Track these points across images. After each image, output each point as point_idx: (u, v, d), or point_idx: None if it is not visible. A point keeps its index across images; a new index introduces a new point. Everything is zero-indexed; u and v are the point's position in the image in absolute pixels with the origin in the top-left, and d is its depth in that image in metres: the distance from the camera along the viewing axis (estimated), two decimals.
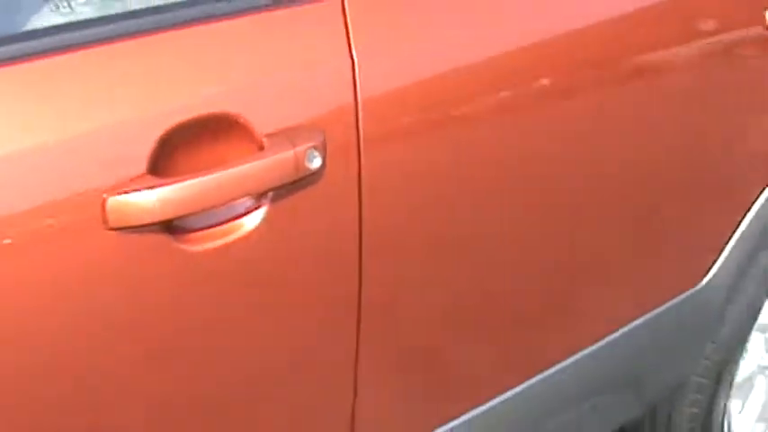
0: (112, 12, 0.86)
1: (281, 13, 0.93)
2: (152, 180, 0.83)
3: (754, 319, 1.72)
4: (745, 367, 1.81)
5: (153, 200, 0.82)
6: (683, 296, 1.49)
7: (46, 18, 0.85)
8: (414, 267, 1.04)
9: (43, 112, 0.80)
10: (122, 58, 0.84)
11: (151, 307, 0.87)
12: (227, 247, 0.89)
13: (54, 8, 0.85)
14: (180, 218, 0.86)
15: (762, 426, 1.95)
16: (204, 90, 0.87)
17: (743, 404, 1.88)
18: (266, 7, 0.93)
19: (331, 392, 1.03)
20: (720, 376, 1.72)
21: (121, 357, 0.87)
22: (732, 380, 1.76)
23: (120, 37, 0.84)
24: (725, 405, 1.78)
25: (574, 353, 1.34)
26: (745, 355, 1.78)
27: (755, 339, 1.80)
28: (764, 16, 1.37)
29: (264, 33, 0.92)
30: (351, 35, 0.95)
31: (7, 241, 0.76)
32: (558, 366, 1.32)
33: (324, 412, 1.04)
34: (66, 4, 0.85)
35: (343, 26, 0.95)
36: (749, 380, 1.86)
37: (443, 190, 1.04)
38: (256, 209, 0.91)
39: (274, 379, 0.98)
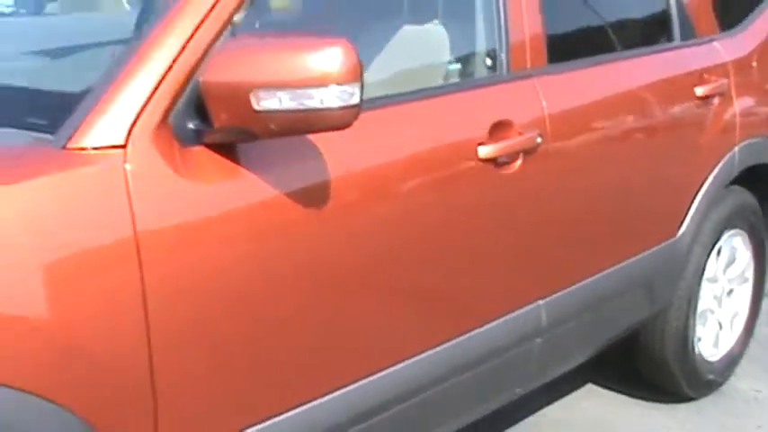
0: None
1: (514, 85, 2.34)
2: (490, 141, 2.19)
3: (702, 270, 3.11)
4: (701, 305, 3.20)
5: (489, 148, 2.18)
6: (669, 241, 2.89)
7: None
8: (564, 181, 2.41)
9: (452, 117, 2.17)
10: (477, 101, 2.23)
11: (484, 201, 2.21)
12: (510, 174, 2.24)
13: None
14: (497, 157, 2.21)
15: (715, 350, 3.32)
16: (498, 114, 2.25)
17: (701, 336, 3.25)
18: (504, 81, 2.33)
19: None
20: (689, 304, 3.09)
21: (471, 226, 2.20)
22: (696, 309, 3.14)
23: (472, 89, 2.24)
24: (694, 326, 3.15)
25: (618, 263, 2.70)
26: (700, 294, 3.17)
27: (705, 287, 3.20)
28: (694, 91, 2.87)
29: (514, 93, 2.32)
30: (542, 97, 2.36)
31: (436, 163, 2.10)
32: (609, 270, 2.67)
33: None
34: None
35: (538, 94, 2.36)
36: (703, 315, 3.24)
37: (576, 151, 2.44)
38: (517, 160, 2.27)
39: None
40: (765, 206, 3.40)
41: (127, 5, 3.39)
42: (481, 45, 2.38)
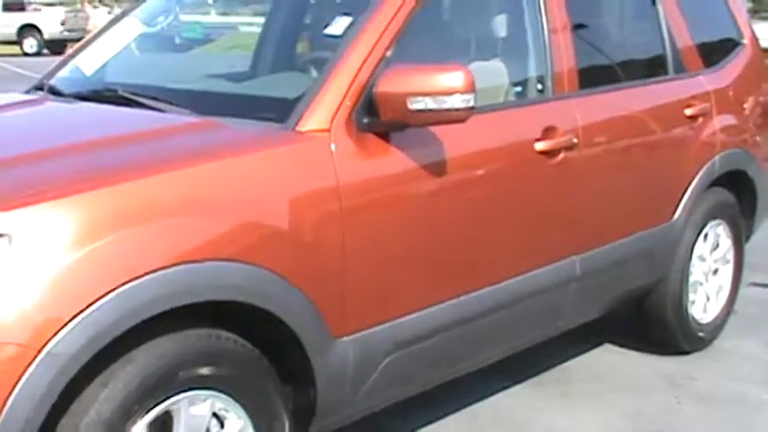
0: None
1: (557, 103, 3.37)
2: (543, 139, 3.20)
3: (692, 249, 4.12)
4: (692, 278, 4.20)
5: (542, 144, 3.19)
6: (666, 224, 3.91)
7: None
8: (592, 172, 3.43)
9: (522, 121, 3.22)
10: (534, 113, 3.28)
11: (539, 181, 3.23)
12: (556, 163, 3.25)
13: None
14: (547, 151, 3.22)
15: (704, 314, 4.32)
16: (547, 122, 3.27)
17: (693, 300, 4.25)
18: (550, 100, 3.37)
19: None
20: (683, 275, 4.10)
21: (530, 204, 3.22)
22: (688, 280, 4.14)
23: (530, 105, 3.29)
24: (687, 293, 4.15)
25: (629, 235, 3.72)
26: (692, 270, 4.17)
27: (696, 264, 4.21)
28: (684, 113, 3.91)
29: (557, 108, 3.35)
30: (576, 112, 3.39)
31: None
32: (622, 239, 3.68)
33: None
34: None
35: (573, 109, 3.39)
36: (694, 286, 4.24)
37: (600, 150, 3.46)
38: (560, 154, 3.28)
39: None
40: (743, 205, 4.42)
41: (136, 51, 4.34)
42: (533, 75, 3.42)
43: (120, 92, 3.02)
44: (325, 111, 2.65)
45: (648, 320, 4.17)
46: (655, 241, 3.85)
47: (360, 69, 2.73)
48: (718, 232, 4.29)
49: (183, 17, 4.30)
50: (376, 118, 2.71)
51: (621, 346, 4.38)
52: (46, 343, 2.08)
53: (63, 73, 3.62)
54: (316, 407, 2.68)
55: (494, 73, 3.39)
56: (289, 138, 2.60)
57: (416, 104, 2.64)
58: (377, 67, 2.76)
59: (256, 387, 2.51)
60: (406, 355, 2.88)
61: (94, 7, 44.17)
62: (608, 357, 4.28)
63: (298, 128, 2.63)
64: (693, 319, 4.20)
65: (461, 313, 3.02)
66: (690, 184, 3.97)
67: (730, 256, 4.39)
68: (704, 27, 4.23)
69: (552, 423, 3.61)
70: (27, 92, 3.52)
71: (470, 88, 2.65)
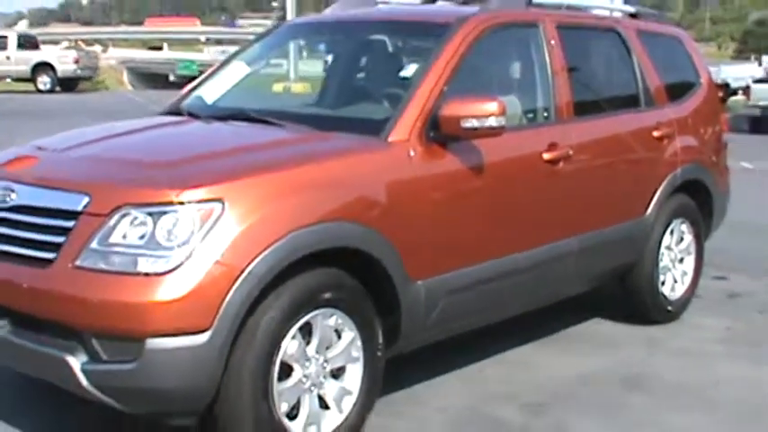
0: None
1: (558, 126, 4.80)
2: (548, 152, 4.61)
3: (660, 239, 5.53)
4: (662, 263, 5.61)
5: (548, 155, 4.61)
6: (640, 217, 5.32)
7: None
8: (583, 176, 4.87)
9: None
10: (541, 133, 4.72)
11: (546, 182, 4.63)
12: (557, 169, 4.66)
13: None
14: (551, 160, 4.64)
15: (673, 293, 5.71)
16: (551, 139, 4.71)
17: (663, 281, 5.65)
18: (553, 124, 4.80)
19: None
20: (654, 260, 5.50)
21: (536, 200, 4.62)
22: (658, 264, 5.55)
23: (539, 127, 4.73)
24: (657, 275, 5.55)
25: (614, 224, 5.13)
26: (662, 257, 5.58)
27: (664, 252, 5.61)
28: (653, 134, 5.35)
29: (558, 130, 4.79)
30: (572, 132, 4.83)
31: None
32: (609, 227, 5.10)
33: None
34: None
35: (570, 131, 4.84)
36: (664, 269, 5.65)
37: (589, 161, 4.89)
38: (560, 162, 4.70)
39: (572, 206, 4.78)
40: (704, 209, 5.84)
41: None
42: (540, 106, 4.85)
43: (251, 114, 4.42)
44: (405, 127, 4.06)
45: (628, 295, 5.56)
46: (632, 230, 5.26)
47: (427, 99, 4.15)
48: (682, 229, 5.70)
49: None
50: (438, 132, 4.12)
51: (608, 319, 5.77)
52: (246, 266, 3.44)
53: (188, 101, 5.02)
54: (401, 328, 4.03)
55: (514, 104, 4.81)
56: (382, 145, 4.02)
57: (467, 123, 4.06)
58: (438, 98, 4.18)
59: (362, 310, 3.87)
60: (455, 299, 4.24)
61: (89, 45, 45.69)
62: (597, 327, 5.67)
63: (388, 139, 4.04)
64: (663, 295, 5.60)
65: (494, 272, 4.40)
66: (658, 188, 5.39)
67: (692, 248, 5.80)
68: (669, 71, 5.69)
69: (553, 366, 4.98)
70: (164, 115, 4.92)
71: (503, 112, 4.07)
